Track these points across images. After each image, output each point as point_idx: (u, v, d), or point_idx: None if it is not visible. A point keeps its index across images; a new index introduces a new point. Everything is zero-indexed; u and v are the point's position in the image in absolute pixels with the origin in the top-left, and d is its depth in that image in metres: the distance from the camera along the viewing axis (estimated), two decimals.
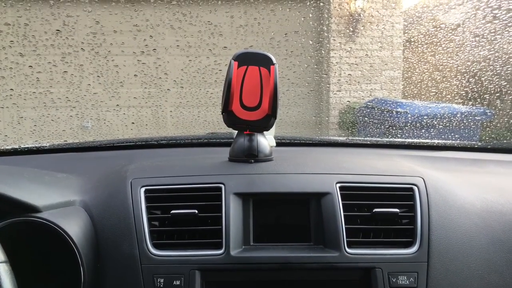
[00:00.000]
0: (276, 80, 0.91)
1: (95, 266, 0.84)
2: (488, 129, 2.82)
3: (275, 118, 0.94)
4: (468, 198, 0.94)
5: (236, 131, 1.01)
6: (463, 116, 2.76)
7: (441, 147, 1.48)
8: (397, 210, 0.88)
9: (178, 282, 0.82)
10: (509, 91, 2.68)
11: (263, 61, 0.91)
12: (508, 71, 2.47)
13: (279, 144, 1.23)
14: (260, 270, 0.84)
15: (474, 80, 2.92)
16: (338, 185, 0.89)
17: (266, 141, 1.01)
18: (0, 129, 3.54)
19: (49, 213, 0.80)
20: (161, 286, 0.82)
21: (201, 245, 0.85)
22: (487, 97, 2.85)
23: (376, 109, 3.63)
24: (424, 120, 2.94)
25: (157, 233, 0.87)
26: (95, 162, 1.23)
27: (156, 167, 1.04)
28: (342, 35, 4.60)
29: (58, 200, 0.86)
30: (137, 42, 3.59)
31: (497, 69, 2.53)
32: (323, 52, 4.41)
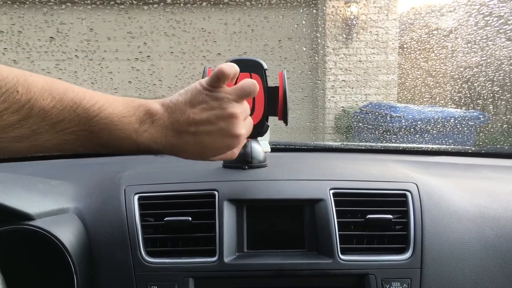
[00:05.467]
0: (285, 85, 0.91)
1: (88, 274, 0.83)
2: (482, 134, 2.83)
3: (287, 123, 0.94)
4: (461, 203, 0.95)
5: None
6: (457, 120, 2.77)
7: (435, 152, 1.49)
8: (390, 216, 0.88)
9: None
10: (502, 96, 2.70)
11: (254, 67, 0.91)
12: (500, 77, 2.49)
13: (273, 149, 1.24)
14: (253, 277, 0.84)
15: (467, 85, 2.94)
16: (332, 191, 0.90)
17: (260, 147, 1.01)
18: None
19: (42, 220, 0.80)
20: None
21: (194, 253, 0.85)
22: (480, 103, 2.87)
23: (370, 113, 3.64)
24: (419, 125, 2.95)
25: (150, 241, 0.87)
26: (90, 168, 1.23)
27: (150, 174, 1.03)
28: (336, 41, 4.62)
29: (52, 208, 0.85)
30: (131, 49, 3.60)
31: (490, 74, 2.55)
32: (317, 58, 4.43)
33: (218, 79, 0.61)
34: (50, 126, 0.49)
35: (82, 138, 0.52)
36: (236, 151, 0.70)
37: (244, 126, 0.64)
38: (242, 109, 0.63)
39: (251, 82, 0.65)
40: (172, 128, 0.58)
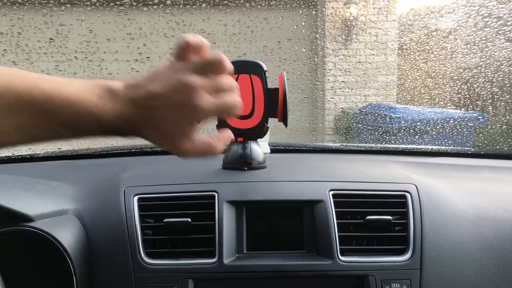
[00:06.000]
0: (285, 87, 0.91)
1: (88, 275, 0.83)
2: (481, 135, 2.84)
3: (286, 125, 0.94)
4: (461, 204, 0.95)
5: None
6: (456, 121, 2.78)
7: (435, 153, 1.49)
8: (389, 217, 0.88)
9: None
10: (501, 97, 2.70)
11: (253, 68, 0.92)
12: (500, 78, 2.50)
13: (273, 150, 1.24)
14: (253, 278, 0.84)
15: (466, 86, 2.94)
16: (331, 192, 0.90)
17: (259, 148, 1.01)
18: None
19: (41, 222, 0.79)
20: None
21: (194, 254, 0.85)
22: (480, 104, 2.88)
23: (370, 115, 3.65)
24: (418, 126, 2.95)
25: (150, 242, 0.87)
26: (89, 170, 1.23)
27: (149, 175, 1.03)
28: (335, 42, 4.62)
29: (51, 209, 0.85)
30: (131, 50, 3.60)
31: (489, 76, 2.55)
32: (316, 59, 4.43)
33: (182, 49, 0.58)
34: (3, 110, 0.48)
35: (40, 119, 0.51)
36: (215, 146, 0.61)
37: (210, 99, 0.57)
38: (203, 81, 0.58)
39: (216, 53, 0.60)
40: (133, 103, 0.55)
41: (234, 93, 0.61)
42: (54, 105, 0.51)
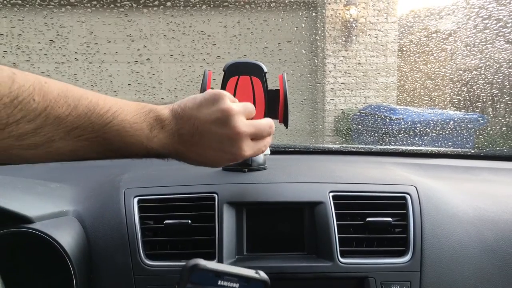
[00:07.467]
0: (285, 88, 0.92)
1: (87, 277, 0.83)
2: (481, 136, 2.83)
3: (287, 126, 0.94)
4: (461, 206, 0.95)
5: None
6: (456, 123, 2.77)
7: (435, 154, 1.49)
8: (390, 219, 0.88)
9: None
10: (501, 99, 2.70)
11: (254, 70, 0.92)
12: (500, 80, 2.50)
13: (273, 152, 1.23)
14: None
15: (466, 88, 2.94)
16: (331, 194, 0.90)
17: None
18: None
19: (41, 223, 0.79)
20: None
21: (194, 256, 0.85)
22: (480, 105, 2.87)
23: (370, 116, 3.65)
24: (418, 127, 2.95)
25: (150, 244, 0.87)
26: (89, 171, 1.23)
27: (149, 176, 1.03)
28: (335, 43, 4.62)
29: (51, 211, 0.85)
30: (131, 52, 3.60)
31: (489, 77, 2.55)
32: (316, 60, 4.43)
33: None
34: (64, 133, 0.48)
35: (95, 145, 0.52)
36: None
37: (251, 146, 0.65)
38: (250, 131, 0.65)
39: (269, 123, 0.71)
40: (179, 136, 0.58)
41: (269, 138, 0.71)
42: (110, 133, 0.52)
